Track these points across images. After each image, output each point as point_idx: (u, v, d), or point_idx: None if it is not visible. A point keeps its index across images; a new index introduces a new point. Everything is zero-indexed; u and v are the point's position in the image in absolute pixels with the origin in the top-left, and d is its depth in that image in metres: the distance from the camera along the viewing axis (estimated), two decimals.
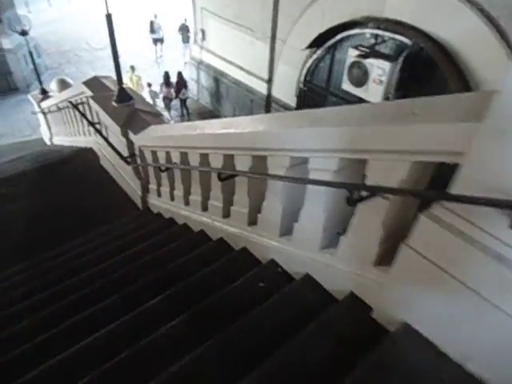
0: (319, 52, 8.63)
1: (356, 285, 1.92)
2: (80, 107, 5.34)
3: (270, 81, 10.19)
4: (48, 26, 19.00)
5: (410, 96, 6.52)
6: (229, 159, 2.58)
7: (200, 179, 3.18)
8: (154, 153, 3.73)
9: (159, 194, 4.11)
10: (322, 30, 8.07)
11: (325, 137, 1.75)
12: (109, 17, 3.61)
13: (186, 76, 12.96)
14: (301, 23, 8.72)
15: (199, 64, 12.38)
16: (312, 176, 1.97)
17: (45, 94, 8.29)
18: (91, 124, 4.62)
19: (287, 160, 2.10)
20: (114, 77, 4.28)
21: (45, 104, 7.92)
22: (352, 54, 7.11)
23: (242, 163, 2.46)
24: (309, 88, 9.34)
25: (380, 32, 7.12)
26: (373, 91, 7.06)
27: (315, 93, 9.26)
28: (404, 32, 6.72)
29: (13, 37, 12.14)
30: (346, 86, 7.51)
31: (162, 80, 11.81)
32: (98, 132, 4.44)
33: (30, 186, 4.93)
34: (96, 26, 19.07)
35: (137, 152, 4.15)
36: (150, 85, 11.65)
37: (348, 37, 7.94)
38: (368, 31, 7.29)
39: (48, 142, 8.85)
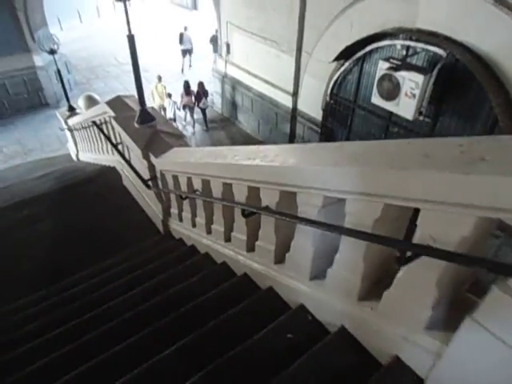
0: (347, 64, 8.36)
1: (404, 349, 1.63)
2: (104, 126, 5.29)
3: (295, 94, 9.99)
4: (78, 43, 19.62)
5: (445, 110, 6.08)
6: (254, 191, 2.36)
7: (223, 208, 2.97)
8: (175, 177, 3.57)
9: (181, 219, 3.94)
10: (350, 42, 7.81)
11: (367, 179, 1.49)
12: (131, 38, 3.50)
13: (210, 89, 13.19)
14: (327, 35, 8.49)
15: (224, 77, 12.33)
16: (349, 220, 1.71)
17: (72, 110, 8.38)
18: (113, 145, 4.53)
19: (320, 199, 1.85)
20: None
21: (71, 121, 7.99)
22: (382, 67, 6.80)
23: (269, 197, 2.23)
24: (336, 101, 9.07)
25: (412, 43, 6.79)
26: (404, 105, 6.72)
27: (342, 106, 8.97)
28: (438, 43, 6.37)
29: (44, 54, 12.45)
30: (376, 99, 7.18)
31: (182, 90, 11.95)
32: (120, 154, 4.33)
33: (52, 208, 4.88)
34: (124, 40, 19.52)
35: (158, 175, 4.00)
36: (170, 95, 11.76)
37: (377, 49, 7.65)
38: (399, 42, 6.98)
39: (74, 158, 8.94)
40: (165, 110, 11.64)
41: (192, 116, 12.18)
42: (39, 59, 12.89)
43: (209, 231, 3.34)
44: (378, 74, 6.94)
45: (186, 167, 3.10)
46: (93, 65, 17.40)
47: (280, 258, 2.43)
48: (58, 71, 8.39)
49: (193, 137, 11.98)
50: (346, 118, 9.00)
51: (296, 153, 2.03)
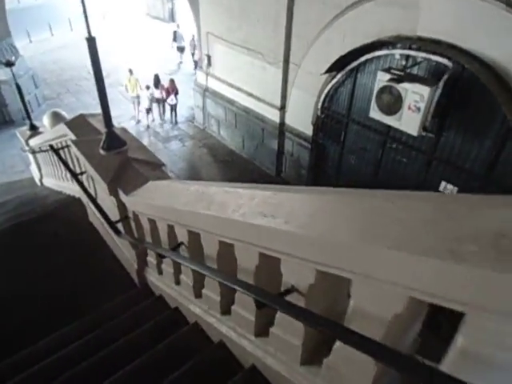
0: (339, 76, 7.77)
1: None
2: (66, 151, 4.42)
3: (282, 108, 9.33)
4: (48, 55, 18.58)
5: (450, 125, 5.28)
6: (271, 261, 1.57)
7: (219, 266, 2.15)
8: (152, 221, 2.74)
9: (160, 272, 3.09)
10: (343, 52, 7.20)
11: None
12: (91, 40, 2.69)
13: (190, 103, 12.94)
14: (317, 45, 7.90)
15: (205, 91, 11.59)
16: None
17: (34, 129, 7.41)
18: (73, 175, 3.65)
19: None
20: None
21: (33, 142, 7.03)
22: (382, 78, 6.19)
23: (297, 276, 1.44)
24: (327, 115, 8.45)
25: (412, 52, 6.23)
26: (407, 120, 6.11)
27: (335, 120, 8.36)
28: (442, 52, 5.81)
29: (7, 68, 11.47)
30: (374, 113, 6.55)
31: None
32: (82, 187, 3.46)
33: None
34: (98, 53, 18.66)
35: (131, 214, 3.16)
36: (148, 87, 12.32)
37: (372, 59, 7.08)
38: (398, 52, 6.40)
39: (38, 183, 7.93)
40: (139, 101, 12.56)
41: (161, 108, 12.80)
42: (1, 73, 11.82)
43: (198, 295, 2.50)
44: (377, 86, 6.32)
45: (167, 213, 2.28)
46: (63, 78, 16.37)
47: (310, 359, 1.63)
48: (17, 85, 7.44)
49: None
50: (338, 133, 8.38)
51: (330, 214, 1.26)
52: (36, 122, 8.00)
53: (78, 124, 3.80)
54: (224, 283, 1.71)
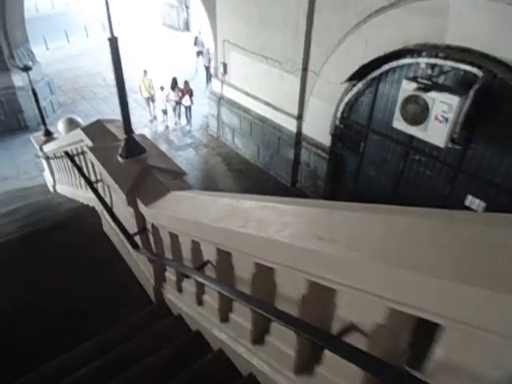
0: (360, 85, 7.54)
1: None
2: (81, 158, 4.25)
3: (300, 117, 9.13)
4: (64, 63, 18.75)
5: (478, 137, 4.91)
6: (325, 292, 1.33)
7: (253, 291, 1.90)
8: (173, 236, 2.52)
9: (180, 289, 2.85)
10: (365, 60, 7.00)
11: None
12: (113, 40, 2.51)
13: (205, 111, 13.04)
14: (337, 54, 7.69)
15: (220, 99, 11.46)
16: None
17: (49, 135, 7.31)
18: (89, 184, 3.45)
19: None
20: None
21: (47, 148, 6.91)
22: (407, 87, 5.95)
23: (360, 311, 1.20)
24: (346, 125, 8.22)
25: (439, 61, 5.98)
26: (434, 130, 5.84)
27: (354, 130, 8.12)
28: (472, 60, 5.55)
29: (24, 74, 11.50)
30: (398, 123, 6.30)
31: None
32: (98, 196, 3.25)
33: (6, 264, 3.70)
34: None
35: (149, 226, 2.94)
36: (162, 88, 12.62)
37: (395, 68, 6.85)
38: (423, 61, 6.16)
39: (51, 189, 7.81)
40: (153, 101, 12.99)
41: (177, 110, 13.16)
42: (19, 79, 11.87)
43: (224, 319, 2.26)
44: (402, 96, 6.08)
45: (193, 229, 2.05)
46: (79, 85, 16.45)
47: None
48: (33, 91, 7.37)
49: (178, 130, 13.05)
50: (357, 143, 8.13)
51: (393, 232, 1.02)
52: (51, 128, 7.92)
53: (95, 130, 3.62)
54: (260, 312, 1.47)
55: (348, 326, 1.26)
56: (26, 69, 7.20)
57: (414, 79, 5.96)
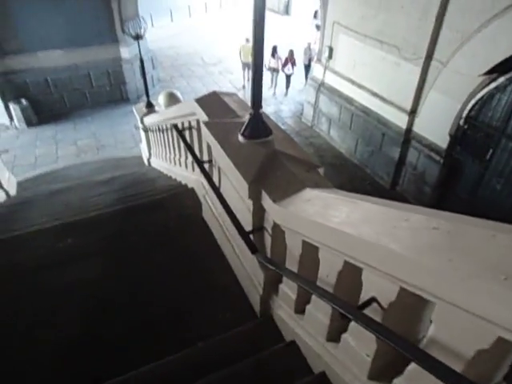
0: (501, 80, 6.27)
1: None
2: (187, 133, 3.87)
3: (413, 112, 8.01)
4: (167, 41, 19.27)
5: None
6: None
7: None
8: (309, 247, 1.92)
9: (301, 311, 2.26)
10: None
11: None
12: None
13: (301, 98, 12.39)
14: (477, 40, 6.44)
15: (320, 86, 10.67)
16: None
17: (150, 107, 7.23)
18: (198, 163, 3.02)
19: None
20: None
21: (148, 120, 6.80)
22: None
23: None
24: (472, 126, 6.98)
25: None
26: None
27: (482, 133, 6.86)
28: None
29: (132, 47, 11.84)
30: None
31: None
32: (208, 179, 2.79)
33: (103, 242, 3.41)
34: (211, 41, 18.93)
35: (267, 225, 2.39)
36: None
37: None
38: None
39: (146, 162, 7.79)
40: (249, 68, 12.43)
41: (274, 79, 13.24)
42: (126, 51, 12.28)
43: (381, 372, 1.59)
44: None
45: (360, 251, 1.41)
46: (178, 63, 16.77)
47: None
48: (141, 61, 7.32)
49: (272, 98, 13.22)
50: (484, 149, 6.87)
51: None
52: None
53: (211, 102, 3.16)
54: None
55: None
56: (137, 37, 7.14)
57: None
